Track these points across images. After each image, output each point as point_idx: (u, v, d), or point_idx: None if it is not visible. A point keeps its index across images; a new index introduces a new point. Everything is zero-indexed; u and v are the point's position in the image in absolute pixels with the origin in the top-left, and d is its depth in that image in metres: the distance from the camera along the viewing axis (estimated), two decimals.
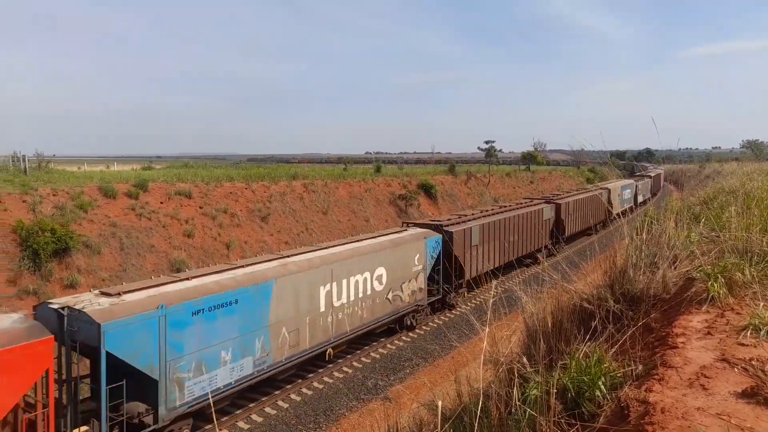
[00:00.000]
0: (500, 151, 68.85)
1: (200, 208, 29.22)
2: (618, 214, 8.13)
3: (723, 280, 4.68)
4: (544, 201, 37.09)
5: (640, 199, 62.93)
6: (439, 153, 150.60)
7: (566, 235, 38.01)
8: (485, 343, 4.03)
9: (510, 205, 34.85)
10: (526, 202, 37.08)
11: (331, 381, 17.20)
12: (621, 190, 52.53)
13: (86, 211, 23.74)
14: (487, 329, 4.18)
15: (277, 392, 16.04)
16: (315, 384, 16.86)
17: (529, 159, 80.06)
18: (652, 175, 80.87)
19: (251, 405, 15.12)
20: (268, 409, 15.22)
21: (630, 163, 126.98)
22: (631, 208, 50.44)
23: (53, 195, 23.73)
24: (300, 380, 16.85)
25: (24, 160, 32.41)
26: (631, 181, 62.53)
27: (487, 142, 64.38)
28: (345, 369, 18.04)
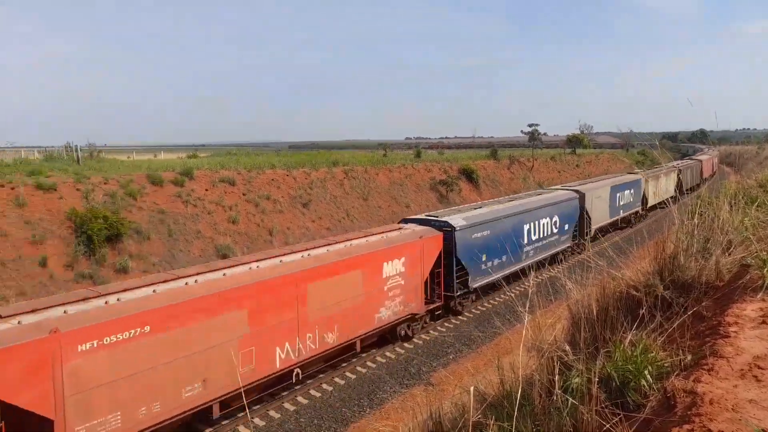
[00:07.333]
0: (544, 134, 67.37)
1: (243, 195, 29.88)
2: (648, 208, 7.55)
3: None
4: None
5: (686, 186, 48.72)
6: (481, 137, 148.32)
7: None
8: (524, 330, 3.98)
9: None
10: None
11: (374, 365, 17.41)
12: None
13: (135, 199, 24.68)
14: (527, 317, 4.13)
15: (321, 375, 16.37)
16: (358, 368, 17.10)
17: (574, 142, 77.99)
18: (702, 159, 65.72)
19: (297, 387, 15.47)
20: (313, 392, 15.56)
21: (677, 145, 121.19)
22: (673, 198, 42.72)
23: (104, 183, 24.75)
24: (345, 364, 17.13)
25: (77, 150, 33.90)
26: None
27: (530, 126, 63.17)
28: (387, 354, 18.21)
